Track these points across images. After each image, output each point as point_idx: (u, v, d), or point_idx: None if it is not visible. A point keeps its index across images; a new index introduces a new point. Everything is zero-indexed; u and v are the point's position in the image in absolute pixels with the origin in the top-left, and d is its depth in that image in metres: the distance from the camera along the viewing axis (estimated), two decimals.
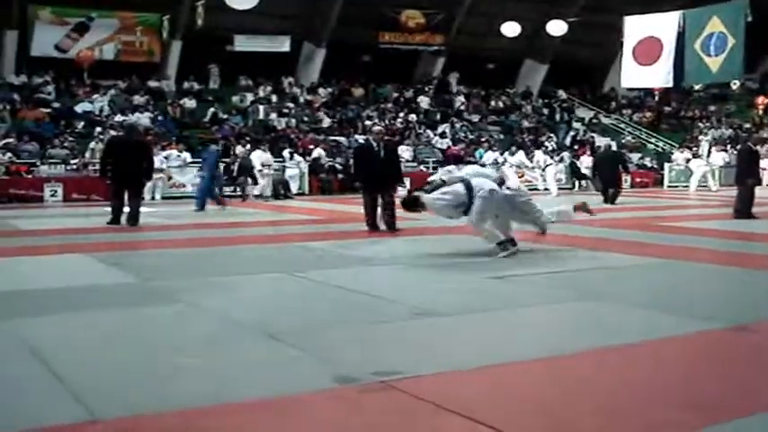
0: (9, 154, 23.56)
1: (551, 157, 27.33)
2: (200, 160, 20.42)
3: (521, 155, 27.13)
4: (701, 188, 27.92)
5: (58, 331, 5.68)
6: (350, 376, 4.36)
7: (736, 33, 21.46)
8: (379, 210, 12.85)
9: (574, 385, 4.35)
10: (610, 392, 4.21)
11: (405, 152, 29.00)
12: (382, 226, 12.76)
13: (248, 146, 24.38)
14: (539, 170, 26.71)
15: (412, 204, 10.02)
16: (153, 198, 21.86)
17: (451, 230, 11.31)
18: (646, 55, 23.32)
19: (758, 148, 17.40)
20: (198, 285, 7.63)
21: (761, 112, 40.00)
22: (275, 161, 24.13)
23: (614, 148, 26.10)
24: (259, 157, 22.69)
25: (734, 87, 39.74)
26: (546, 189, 26.11)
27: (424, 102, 35.20)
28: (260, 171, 22.63)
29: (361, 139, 29.15)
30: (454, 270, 8.63)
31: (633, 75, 24.34)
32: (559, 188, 26.14)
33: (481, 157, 28.58)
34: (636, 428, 3.69)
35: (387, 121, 30.91)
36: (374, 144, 13.22)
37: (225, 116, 30.04)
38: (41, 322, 5.95)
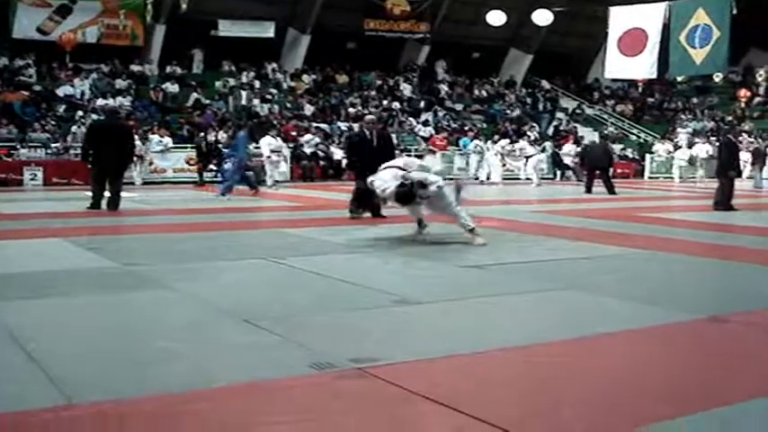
0: None
1: (533, 147, 27.42)
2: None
3: (503, 142, 27.21)
4: (688, 180, 28.18)
5: (37, 315, 5.66)
6: (327, 362, 4.37)
7: (721, 26, 21.50)
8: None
9: (552, 374, 4.37)
10: (589, 382, 4.23)
11: None
12: (365, 213, 12.79)
13: (230, 131, 24.22)
14: (522, 159, 26.83)
15: (407, 199, 9.65)
16: (133, 183, 21.77)
17: (434, 219, 11.29)
18: (630, 46, 23.33)
19: (739, 140, 17.53)
20: (177, 270, 7.62)
21: (743, 104, 40.16)
22: (254, 147, 23.86)
23: (597, 140, 26.34)
24: (269, 144, 22.37)
25: (717, 80, 39.85)
26: (528, 178, 26.20)
27: (407, 89, 35.16)
28: (268, 158, 22.35)
29: (343, 126, 29.15)
30: (435, 258, 8.64)
31: (617, 66, 24.34)
32: (542, 178, 26.20)
33: (465, 146, 28.64)
34: (614, 418, 3.71)
35: (369, 109, 30.80)
36: (367, 133, 13.25)
37: (207, 101, 29.90)
38: (20, 306, 5.92)
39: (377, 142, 12.98)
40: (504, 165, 27.19)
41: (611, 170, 23.22)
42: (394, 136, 29.01)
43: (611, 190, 20.60)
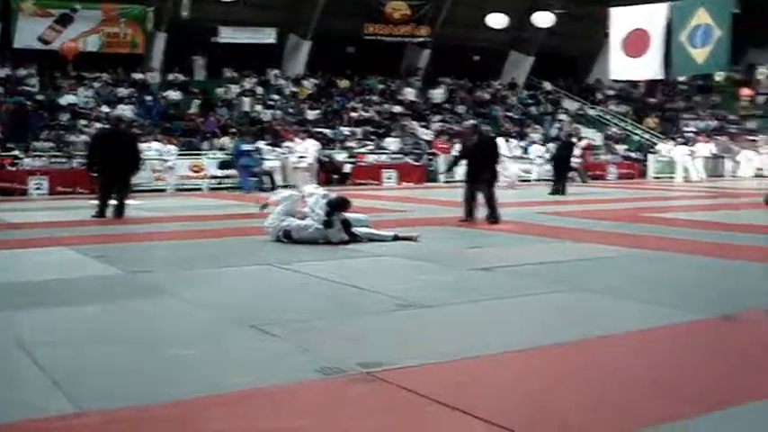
0: None
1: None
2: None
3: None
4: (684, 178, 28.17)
5: (45, 324, 5.68)
6: (335, 367, 4.38)
7: (722, 25, 21.56)
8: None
9: (559, 376, 4.37)
10: (596, 383, 4.23)
11: (391, 144, 28.99)
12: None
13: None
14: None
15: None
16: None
17: (442, 222, 11.30)
18: (634, 47, 23.37)
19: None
20: (183, 277, 7.63)
21: (745, 103, 40.12)
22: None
23: (572, 138, 25.65)
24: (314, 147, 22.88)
25: (718, 79, 39.85)
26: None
27: (410, 94, 35.13)
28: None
29: (346, 131, 29.09)
30: (443, 262, 8.62)
31: (622, 67, 24.37)
32: (543, 179, 26.07)
33: None
34: (622, 419, 3.71)
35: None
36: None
37: (210, 108, 29.89)
38: (28, 315, 5.94)
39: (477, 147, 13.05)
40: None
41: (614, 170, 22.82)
42: (398, 140, 29.28)
43: (561, 190, 20.33)
